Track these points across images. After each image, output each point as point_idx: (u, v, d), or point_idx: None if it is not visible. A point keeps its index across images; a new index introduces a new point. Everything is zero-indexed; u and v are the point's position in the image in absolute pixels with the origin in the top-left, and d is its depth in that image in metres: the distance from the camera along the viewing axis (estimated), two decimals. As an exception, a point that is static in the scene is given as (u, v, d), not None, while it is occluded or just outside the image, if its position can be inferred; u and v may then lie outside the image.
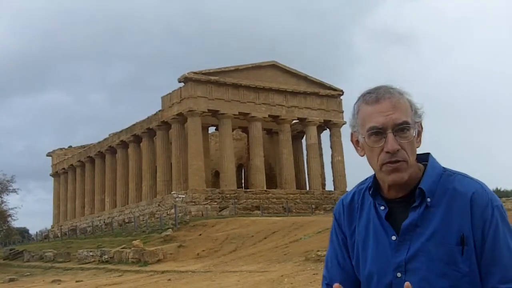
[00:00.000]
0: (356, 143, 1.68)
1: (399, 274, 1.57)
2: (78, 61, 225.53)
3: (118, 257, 26.96)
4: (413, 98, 1.64)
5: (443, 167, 1.67)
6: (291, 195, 44.09)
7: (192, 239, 27.65)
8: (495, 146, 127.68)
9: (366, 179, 1.75)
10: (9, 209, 59.81)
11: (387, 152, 1.56)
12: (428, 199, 1.58)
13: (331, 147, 48.22)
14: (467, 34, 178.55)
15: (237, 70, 44.39)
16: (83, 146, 63.93)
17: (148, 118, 48.22)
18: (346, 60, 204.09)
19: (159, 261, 24.36)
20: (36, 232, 66.40)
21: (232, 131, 45.67)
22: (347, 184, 46.97)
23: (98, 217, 54.39)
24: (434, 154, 1.71)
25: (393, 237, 1.60)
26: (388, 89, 1.61)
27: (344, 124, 47.51)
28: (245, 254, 20.77)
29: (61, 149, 69.07)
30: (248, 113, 44.26)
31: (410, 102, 1.62)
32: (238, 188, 44.89)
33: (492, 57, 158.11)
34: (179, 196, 37.39)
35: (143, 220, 40.76)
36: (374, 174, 1.67)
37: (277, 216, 33.27)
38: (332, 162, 47.83)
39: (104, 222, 50.49)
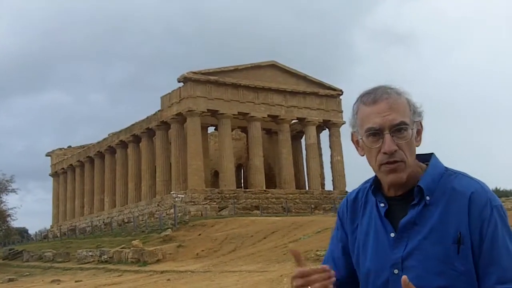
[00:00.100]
0: (356, 143, 1.69)
1: (396, 271, 1.58)
2: (78, 61, 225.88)
3: (117, 257, 26.95)
4: (412, 97, 1.64)
5: (445, 167, 1.67)
6: (291, 195, 44.09)
7: (192, 239, 27.63)
8: (495, 146, 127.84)
9: (372, 177, 1.77)
10: (8, 209, 59.90)
11: (385, 153, 1.57)
12: (427, 197, 1.58)
13: (330, 147, 48.22)
14: (467, 34, 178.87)
15: (236, 70, 44.38)
16: (82, 146, 63.91)
17: (147, 118, 48.19)
18: (345, 60, 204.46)
19: (158, 261, 24.34)
20: (36, 232, 66.49)
21: (232, 131, 45.67)
22: (347, 184, 47.06)
23: (97, 217, 54.38)
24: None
25: (392, 234, 1.61)
26: (386, 90, 1.62)
27: (343, 124, 47.52)
28: (245, 254, 20.75)
29: (60, 149, 69.06)
30: (248, 113, 44.25)
31: (408, 102, 1.62)
32: (237, 188, 44.88)
33: (492, 57, 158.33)
34: (179, 196, 37.44)
35: (143, 220, 40.75)
36: None
37: (277, 216, 33.24)
38: (331, 162, 47.84)
39: (103, 222, 50.49)
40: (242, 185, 50.43)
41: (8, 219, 60.79)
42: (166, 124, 45.39)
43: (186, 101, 42.41)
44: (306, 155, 47.42)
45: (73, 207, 61.32)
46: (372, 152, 1.60)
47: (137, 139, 50.03)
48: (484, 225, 1.53)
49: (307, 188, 47.22)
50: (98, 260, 28.17)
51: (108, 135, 56.15)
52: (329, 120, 47.67)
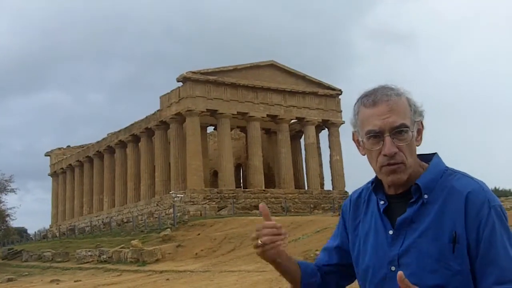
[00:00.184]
0: (357, 142, 1.70)
1: (393, 268, 1.60)
2: (77, 61, 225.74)
3: (116, 257, 26.96)
4: (412, 97, 1.64)
5: (447, 167, 1.67)
6: (290, 195, 44.09)
7: (191, 239, 27.64)
8: (495, 146, 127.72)
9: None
10: (7, 208, 60.05)
11: (385, 155, 1.58)
12: (425, 196, 1.59)
13: (329, 147, 48.21)
14: (467, 34, 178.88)
15: (235, 69, 44.36)
16: (81, 146, 63.90)
17: (146, 117, 48.17)
18: (345, 60, 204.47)
19: (157, 260, 24.36)
20: (35, 232, 66.43)
21: (231, 130, 45.66)
22: (346, 183, 47.07)
23: (96, 216, 54.35)
24: (434, 154, 1.70)
25: (390, 232, 1.63)
26: (386, 91, 1.62)
27: (342, 123, 47.55)
28: (244, 253, 20.75)
29: (59, 148, 69.03)
30: (247, 113, 44.24)
31: (409, 102, 1.62)
32: (236, 187, 44.88)
33: (492, 57, 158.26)
34: (178, 195, 37.41)
35: (142, 220, 40.75)
36: None
37: (276, 216, 33.25)
38: (330, 162, 47.83)
39: (102, 222, 50.49)
40: (241, 185, 50.42)
41: (7, 218, 60.91)
42: (165, 124, 45.37)
43: (185, 101, 42.39)
44: (305, 155, 47.40)
45: (72, 207, 61.28)
46: (372, 154, 1.62)
47: (136, 139, 50.01)
48: (482, 225, 1.53)
49: (306, 188, 47.21)
50: (97, 260, 28.19)
51: (107, 135, 56.12)
52: (328, 120, 47.67)
